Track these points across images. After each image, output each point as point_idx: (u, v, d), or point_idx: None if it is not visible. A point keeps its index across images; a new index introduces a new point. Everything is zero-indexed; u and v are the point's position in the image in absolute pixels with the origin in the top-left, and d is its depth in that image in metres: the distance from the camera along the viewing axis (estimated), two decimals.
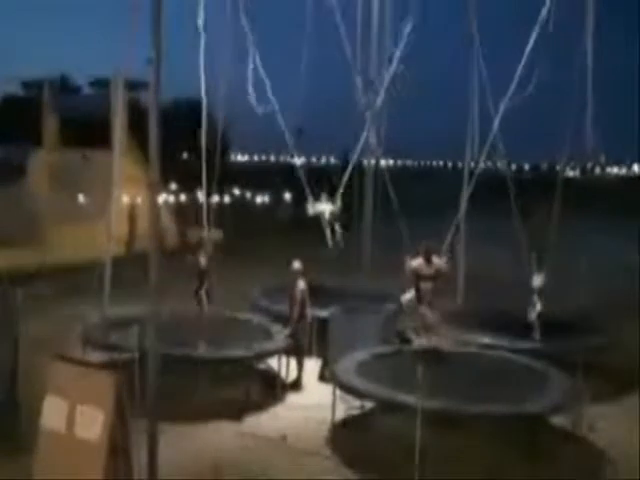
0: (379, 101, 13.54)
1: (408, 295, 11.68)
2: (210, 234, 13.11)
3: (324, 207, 13.56)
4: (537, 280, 12.18)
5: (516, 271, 12.99)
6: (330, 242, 13.40)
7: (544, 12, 11.86)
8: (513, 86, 12.21)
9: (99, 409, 6.75)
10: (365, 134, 13.75)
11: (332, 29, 13.11)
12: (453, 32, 14.10)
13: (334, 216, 13.56)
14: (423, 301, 11.32)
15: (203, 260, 12.58)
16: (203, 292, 12.54)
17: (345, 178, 13.83)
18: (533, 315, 12.11)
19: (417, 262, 11.39)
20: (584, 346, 11.59)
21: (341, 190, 13.72)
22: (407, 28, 13.31)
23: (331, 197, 13.64)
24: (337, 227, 13.48)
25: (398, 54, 13.30)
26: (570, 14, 12.19)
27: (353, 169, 14.23)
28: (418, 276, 11.36)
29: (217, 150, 12.79)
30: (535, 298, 12.16)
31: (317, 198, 13.45)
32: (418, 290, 11.37)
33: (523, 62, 12.11)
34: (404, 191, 13.00)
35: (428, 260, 11.32)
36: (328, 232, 13.49)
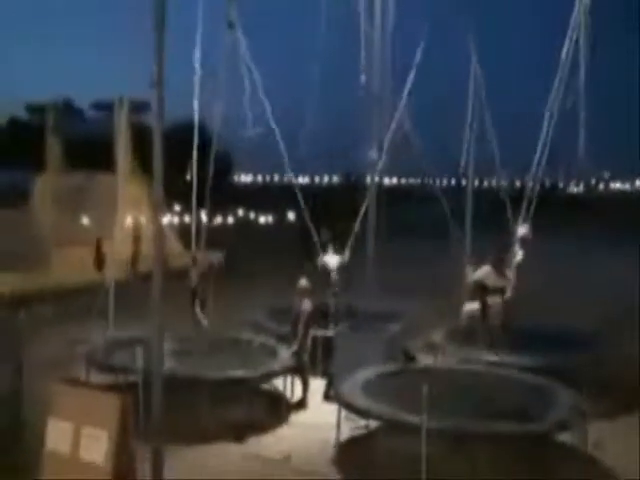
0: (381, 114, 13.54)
1: (469, 306, 10.19)
2: (202, 253, 13.09)
3: (332, 260, 13.37)
4: (521, 229, 11.27)
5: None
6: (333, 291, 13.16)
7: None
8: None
9: (103, 431, 6.74)
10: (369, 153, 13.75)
11: (333, 47, 13.19)
12: (461, 44, 14.12)
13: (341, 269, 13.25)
14: (490, 319, 9.73)
15: (194, 277, 12.71)
16: (197, 309, 12.61)
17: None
18: (514, 263, 11.00)
19: (484, 271, 9.88)
20: (587, 361, 11.54)
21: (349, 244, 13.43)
22: (417, 55, 13.41)
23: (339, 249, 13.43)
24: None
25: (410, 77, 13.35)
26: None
27: (356, 187, 14.26)
28: (484, 288, 9.80)
29: (210, 171, 12.76)
30: (517, 247, 11.16)
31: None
32: (484, 306, 9.82)
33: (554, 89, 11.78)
34: (407, 210, 12.98)
35: (498, 269, 9.75)
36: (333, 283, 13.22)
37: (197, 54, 12.15)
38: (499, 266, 9.86)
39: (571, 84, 12.01)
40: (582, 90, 11.98)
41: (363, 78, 13.21)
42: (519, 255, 11.12)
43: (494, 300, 9.95)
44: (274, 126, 12.31)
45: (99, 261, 22.06)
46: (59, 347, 13.51)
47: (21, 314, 9.75)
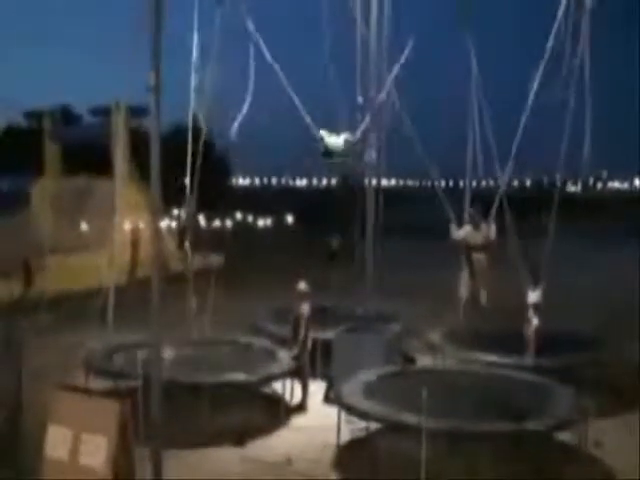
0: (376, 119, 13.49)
1: (463, 231, 11.00)
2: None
3: (338, 140, 13.02)
4: (533, 296, 11.69)
5: (515, 288, 12.89)
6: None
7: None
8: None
9: (103, 437, 6.75)
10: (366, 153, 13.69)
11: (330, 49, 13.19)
12: (455, 47, 14.11)
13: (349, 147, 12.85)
14: (477, 276, 10.86)
15: (184, 215, 12.87)
16: (187, 245, 12.64)
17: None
18: (529, 331, 11.63)
19: (465, 230, 10.93)
20: (587, 361, 11.53)
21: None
22: (407, 48, 13.38)
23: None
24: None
25: (394, 72, 13.32)
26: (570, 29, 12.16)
27: (354, 189, 14.23)
28: (468, 246, 10.89)
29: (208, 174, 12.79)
30: (531, 313, 11.66)
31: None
32: (471, 263, 10.96)
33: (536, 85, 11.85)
34: (404, 212, 12.98)
35: (475, 226, 10.94)
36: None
37: (194, 55, 12.16)
38: (475, 223, 11.02)
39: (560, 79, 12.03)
40: (588, 90, 11.96)
41: (360, 99, 13.16)
42: (534, 321, 11.49)
43: (478, 257, 10.97)
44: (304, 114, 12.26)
45: (27, 278, 21.55)
46: (58, 353, 13.49)
47: (20, 321, 9.75)
